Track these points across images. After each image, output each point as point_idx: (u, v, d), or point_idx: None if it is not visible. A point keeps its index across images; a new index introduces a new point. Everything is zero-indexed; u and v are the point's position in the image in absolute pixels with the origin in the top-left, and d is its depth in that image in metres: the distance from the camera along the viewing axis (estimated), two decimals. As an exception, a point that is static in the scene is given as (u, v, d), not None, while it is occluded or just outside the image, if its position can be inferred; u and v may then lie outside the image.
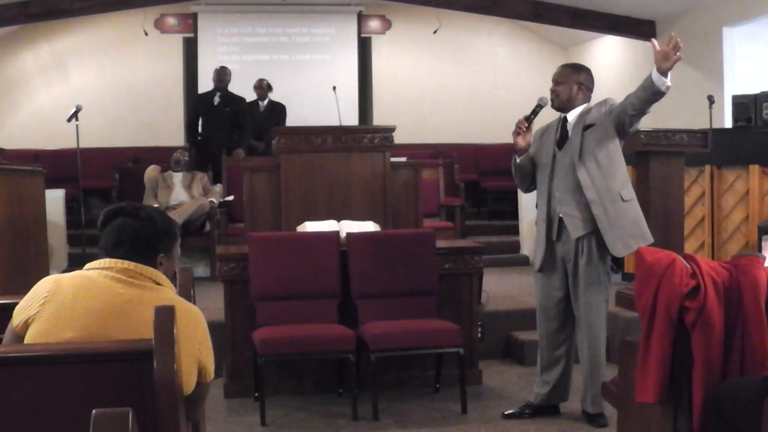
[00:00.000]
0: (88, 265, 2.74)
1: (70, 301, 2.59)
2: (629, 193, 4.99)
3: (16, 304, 2.71)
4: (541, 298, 5.20)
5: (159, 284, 2.73)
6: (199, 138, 10.25)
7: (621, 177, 4.98)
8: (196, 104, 10.41)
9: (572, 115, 5.09)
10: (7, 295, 2.74)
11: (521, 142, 5.12)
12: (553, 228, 5.08)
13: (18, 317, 2.65)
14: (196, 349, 2.63)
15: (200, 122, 10.31)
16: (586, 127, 4.98)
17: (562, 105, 5.12)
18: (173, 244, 2.88)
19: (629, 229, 4.93)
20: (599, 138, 4.95)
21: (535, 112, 5.13)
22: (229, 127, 10.12)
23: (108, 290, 2.62)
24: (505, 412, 5.25)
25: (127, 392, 2.39)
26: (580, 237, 4.96)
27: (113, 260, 2.70)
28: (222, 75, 10.26)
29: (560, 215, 5.03)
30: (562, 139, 5.09)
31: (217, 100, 10.14)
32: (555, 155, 5.08)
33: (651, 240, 4.94)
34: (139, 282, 2.68)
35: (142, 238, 2.75)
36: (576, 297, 5.03)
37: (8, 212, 5.92)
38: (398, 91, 13.12)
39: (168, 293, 2.74)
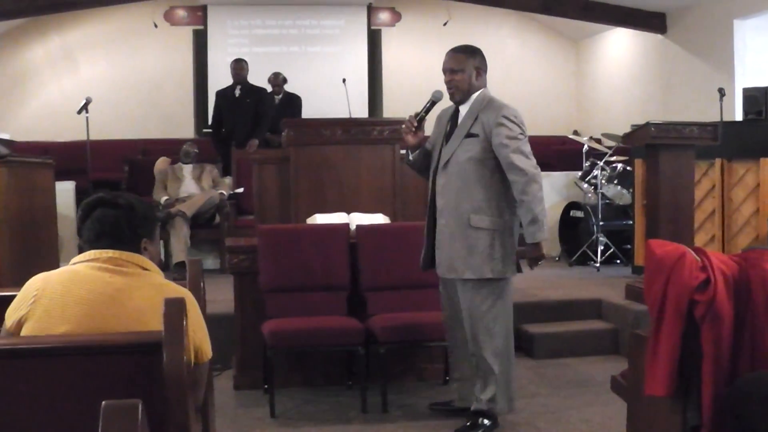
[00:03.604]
0: (74, 259, 2.74)
1: (61, 295, 2.59)
2: (481, 220, 4.62)
3: None
4: (443, 304, 5.02)
5: (146, 269, 2.74)
6: (223, 131, 10.14)
7: (477, 200, 4.63)
8: (218, 100, 10.33)
9: (466, 107, 4.79)
10: (18, 287, 2.73)
11: (412, 140, 4.84)
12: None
13: (10, 319, 2.64)
14: (190, 331, 2.59)
15: (223, 117, 10.18)
16: (469, 135, 4.69)
17: (464, 97, 4.77)
18: (154, 229, 2.89)
19: (461, 254, 4.64)
20: (473, 151, 4.65)
21: (427, 109, 4.82)
22: (252, 118, 10.03)
23: (97, 281, 2.63)
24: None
25: (137, 384, 2.40)
26: None
27: (98, 251, 2.71)
28: (239, 68, 10.16)
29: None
30: (452, 131, 4.80)
31: (238, 92, 10.07)
32: (442, 148, 4.82)
33: (484, 276, 4.61)
34: (127, 269, 2.68)
35: (124, 226, 2.75)
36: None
37: (18, 204, 5.93)
38: (407, 83, 13.07)
39: (156, 278, 2.75)
